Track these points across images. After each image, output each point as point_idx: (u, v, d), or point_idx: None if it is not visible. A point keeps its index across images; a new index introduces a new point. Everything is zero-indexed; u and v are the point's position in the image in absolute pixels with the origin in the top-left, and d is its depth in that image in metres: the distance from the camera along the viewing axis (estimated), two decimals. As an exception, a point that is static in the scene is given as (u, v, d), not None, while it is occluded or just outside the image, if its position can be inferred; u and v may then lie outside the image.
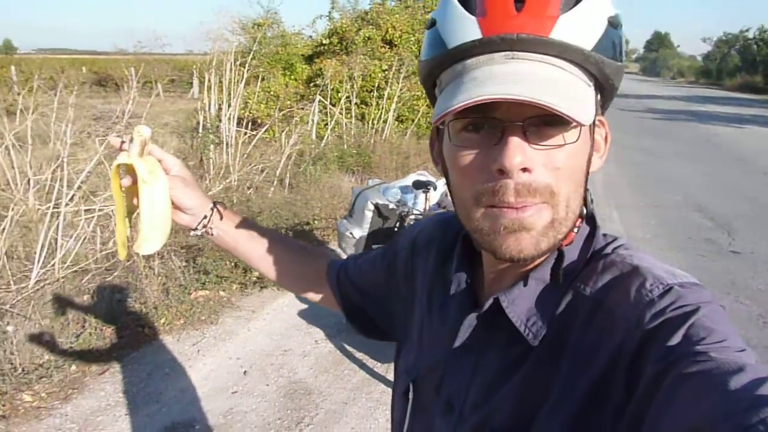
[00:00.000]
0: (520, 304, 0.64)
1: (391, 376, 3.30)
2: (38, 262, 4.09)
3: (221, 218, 0.95)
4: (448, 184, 0.67)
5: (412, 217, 3.57)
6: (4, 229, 4.05)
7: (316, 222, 5.42)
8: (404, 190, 3.71)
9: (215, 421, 2.89)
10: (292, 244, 1.04)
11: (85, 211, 4.85)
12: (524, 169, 0.56)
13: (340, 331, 3.77)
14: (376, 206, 3.53)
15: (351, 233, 3.58)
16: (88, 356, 3.31)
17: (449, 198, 3.01)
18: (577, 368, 0.58)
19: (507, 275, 0.68)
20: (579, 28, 0.56)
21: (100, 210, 4.96)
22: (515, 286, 0.65)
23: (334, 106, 9.23)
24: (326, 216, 5.62)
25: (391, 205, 3.59)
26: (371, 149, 8.33)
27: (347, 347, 3.59)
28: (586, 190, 0.64)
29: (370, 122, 9.37)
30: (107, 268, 4.38)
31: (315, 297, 1.04)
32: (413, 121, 9.89)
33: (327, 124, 9.00)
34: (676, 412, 0.46)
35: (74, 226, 4.65)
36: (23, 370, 3.05)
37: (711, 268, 5.02)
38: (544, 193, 0.58)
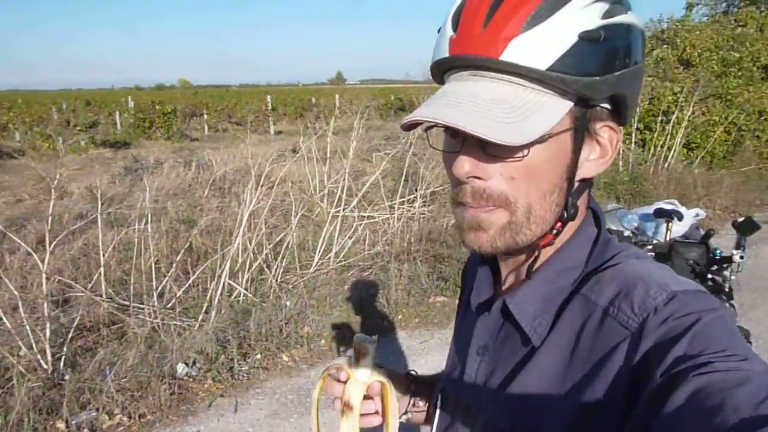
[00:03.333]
0: (525, 305, 0.67)
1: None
2: (318, 253, 4.96)
3: (419, 385, 0.89)
4: None
5: (650, 247, 3.32)
6: (296, 225, 5.00)
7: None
8: (644, 218, 3.46)
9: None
10: None
11: (362, 217, 5.68)
12: (477, 177, 0.61)
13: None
14: (610, 233, 3.37)
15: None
16: (335, 336, 3.93)
17: (700, 231, 2.85)
18: (581, 373, 0.59)
19: (516, 277, 0.72)
20: (533, 49, 0.57)
21: (372, 217, 5.75)
22: (521, 288, 0.68)
23: (612, 131, 8.80)
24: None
25: (627, 233, 3.38)
26: (644, 177, 7.72)
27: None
28: (569, 195, 0.65)
29: (652, 149, 8.66)
30: (368, 266, 5.07)
31: None
32: (705, 148, 8.82)
33: (602, 149, 8.64)
34: (681, 425, 0.46)
35: (350, 228, 5.47)
36: (287, 336, 3.79)
37: None
38: (498, 200, 0.62)
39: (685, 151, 8.86)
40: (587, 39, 0.58)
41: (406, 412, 0.86)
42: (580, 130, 0.63)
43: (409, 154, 6.42)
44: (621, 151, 8.56)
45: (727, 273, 2.68)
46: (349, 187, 5.61)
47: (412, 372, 0.90)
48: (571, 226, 0.68)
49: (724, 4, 13.82)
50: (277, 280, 4.55)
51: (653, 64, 9.90)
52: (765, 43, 10.20)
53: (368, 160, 8.25)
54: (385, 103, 21.29)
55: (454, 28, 0.62)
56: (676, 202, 3.67)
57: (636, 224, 3.46)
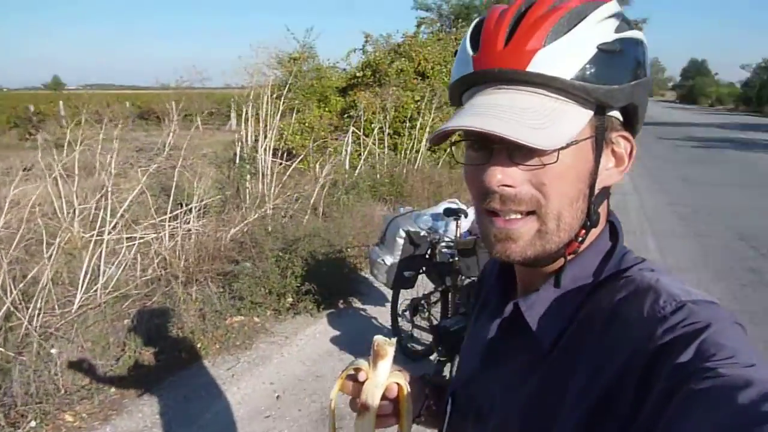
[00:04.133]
0: (537, 309, 0.69)
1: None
2: (81, 287, 4.24)
3: (433, 389, 0.91)
4: None
5: (443, 244, 3.60)
6: (50, 256, 4.21)
7: (348, 250, 5.48)
8: (435, 217, 3.75)
9: (249, 445, 2.93)
10: None
11: (127, 239, 5.03)
12: (507, 185, 0.63)
13: (372, 358, 3.79)
14: (408, 234, 3.58)
15: (383, 260, 3.62)
16: (127, 379, 3.41)
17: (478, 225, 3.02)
18: (589, 378, 0.60)
19: (533, 284, 0.72)
20: (557, 60, 0.61)
21: (141, 238, 5.13)
22: (534, 292, 0.70)
23: (367, 136, 9.39)
24: (359, 244, 5.67)
25: (423, 233, 3.63)
26: (404, 178, 8.41)
27: (379, 374, 3.60)
28: (590, 203, 0.67)
29: (403, 152, 9.48)
30: (147, 294, 4.52)
31: None
32: (445, 150, 9.96)
33: (360, 154, 9.15)
34: (684, 429, 0.47)
35: (116, 253, 4.81)
36: (66, 391, 3.16)
37: (754, 298, 4.88)
38: (530, 203, 0.64)
39: (429, 153, 9.88)
40: (605, 51, 0.63)
41: (419, 415, 0.88)
42: (600, 139, 0.67)
43: (178, 167, 5.94)
44: (378, 155, 9.20)
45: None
46: (107, 206, 4.93)
47: (426, 375, 0.93)
48: (591, 235, 0.70)
49: (438, 25, 15.80)
50: (34, 326, 3.76)
51: (395, 76, 10.83)
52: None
53: (121, 175, 7.40)
54: (127, 115, 19.27)
55: (475, 49, 0.66)
56: (457, 200, 4.05)
57: (430, 224, 3.72)
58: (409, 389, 0.79)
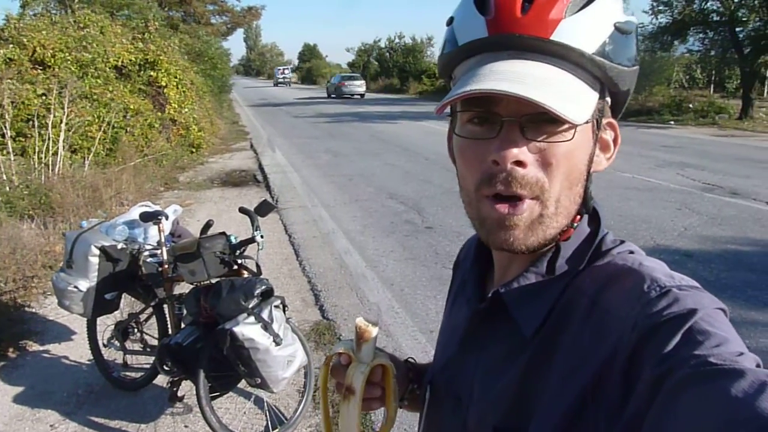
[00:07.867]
0: (518, 297, 0.66)
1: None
2: None
3: (417, 372, 0.90)
4: (457, 173, 0.68)
5: (147, 253, 3.19)
6: None
7: (3, 285, 4.40)
8: (131, 225, 3.27)
9: None
10: None
11: None
12: (518, 162, 0.59)
13: (82, 404, 3.16)
14: (102, 249, 3.03)
15: (75, 287, 2.99)
16: None
17: (182, 226, 2.85)
18: (572, 366, 0.58)
19: (512, 269, 0.70)
20: (581, 32, 0.60)
21: None
22: (515, 279, 0.68)
23: (-22, 142, 7.58)
24: (15, 276, 4.59)
25: (120, 245, 3.13)
26: (47, 188, 7.10)
27: (96, 419, 3.03)
28: (586, 188, 0.66)
29: (36, 156, 7.97)
30: None
31: None
32: (89, 149, 8.78)
33: (-26, 164, 7.35)
34: (676, 420, 0.46)
35: None
36: None
37: (416, 244, 5.75)
38: (535, 188, 0.60)
39: (69, 154, 8.56)
40: (621, 30, 0.62)
41: (402, 399, 0.86)
42: (599, 122, 0.66)
43: None
44: (1, 163, 7.53)
45: (252, 254, 2.89)
46: None
47: (411, 359, 0.92)
48: (574, 221, 0.68)
49: (53, 4, 13.56)
50: None
51: (3, 66, 8.98)
52: (110, 44, 10.78)
53: None
54: None
55: (484, 12, 0.61)
56: (150, 202, 3.61)
57: (126, 234, 3.25)
58: (395, 370, 0.78)
